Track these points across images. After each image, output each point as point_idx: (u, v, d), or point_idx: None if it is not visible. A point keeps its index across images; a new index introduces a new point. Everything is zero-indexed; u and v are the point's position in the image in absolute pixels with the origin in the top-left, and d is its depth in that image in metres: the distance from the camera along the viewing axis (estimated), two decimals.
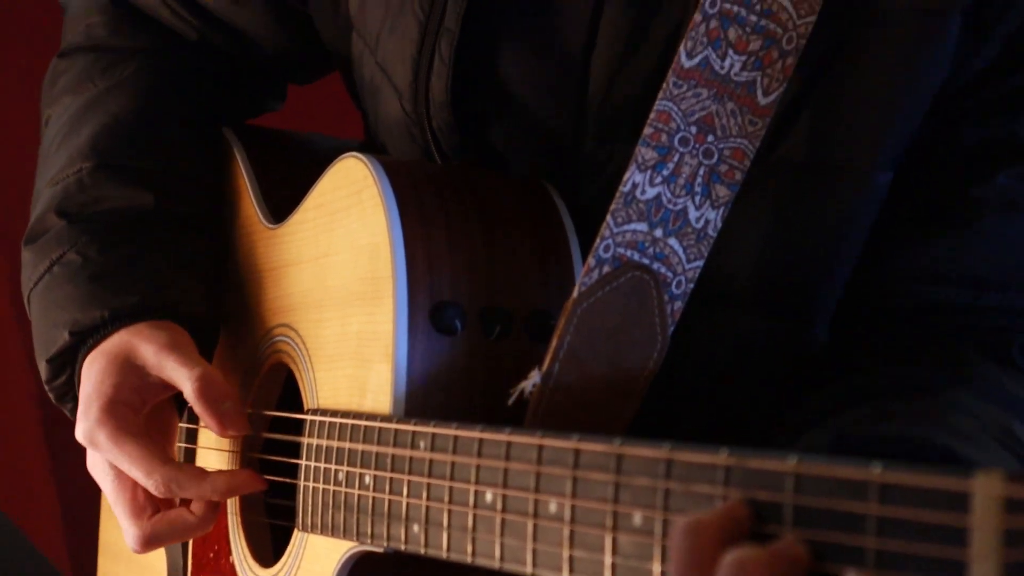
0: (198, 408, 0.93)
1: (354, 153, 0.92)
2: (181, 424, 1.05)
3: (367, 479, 0.83)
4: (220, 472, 0.96)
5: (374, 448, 0.83)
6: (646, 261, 0.84)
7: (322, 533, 0.89)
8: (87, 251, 1.01)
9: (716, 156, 0.85)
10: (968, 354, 0.87)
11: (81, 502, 1.34)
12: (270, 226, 1.03)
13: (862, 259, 0.90)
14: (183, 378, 0.94)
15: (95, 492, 1.05)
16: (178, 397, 0.98)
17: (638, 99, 0.87)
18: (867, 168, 0.87)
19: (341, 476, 0.86)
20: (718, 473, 0.59)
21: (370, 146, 1.06)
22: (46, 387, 1.01)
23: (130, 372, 0.95)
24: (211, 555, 1.03)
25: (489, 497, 0.72)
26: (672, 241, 0.84)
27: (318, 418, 0.90)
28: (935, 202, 0.89)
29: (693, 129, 0.85)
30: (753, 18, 0.85)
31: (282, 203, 1.04)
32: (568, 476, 0.67)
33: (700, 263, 0.85)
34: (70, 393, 1.00)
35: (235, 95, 1.16)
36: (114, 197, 1.03)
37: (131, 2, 1.13)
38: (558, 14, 0.92)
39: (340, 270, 0.92)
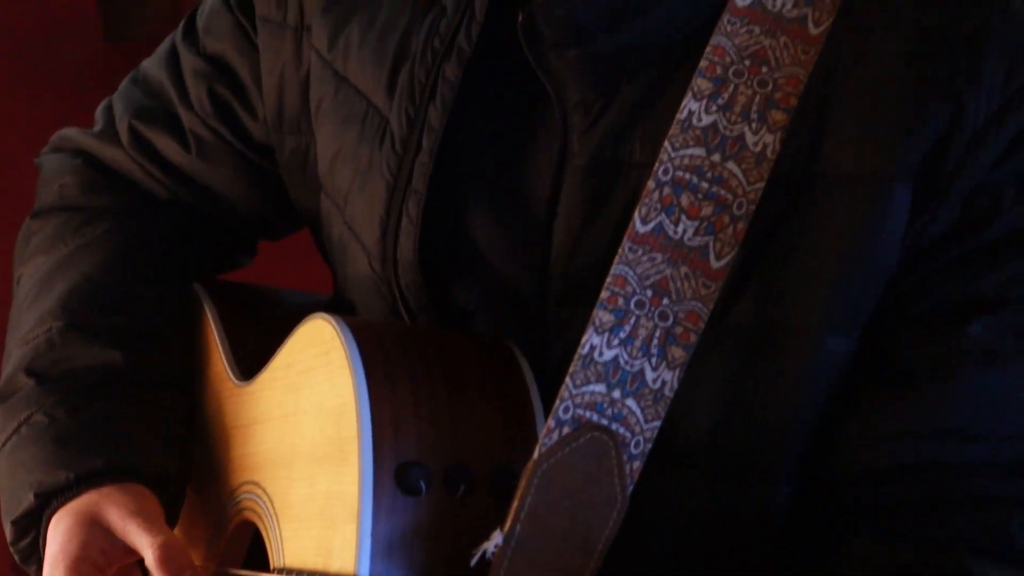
0: (157, 575, 0.95)
1: (322, 314, 0.95)
2: None
3: None
4: None
5: None
6: (605, 422, 0.87)
7: None
8: (54, 412, 1.03)
9: (671, 318, 0.88)
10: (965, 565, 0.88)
11: None
12: (239, 383, 1.06)
13: (832, 425, 0.92)
14: (145, 545, 0.96)
15: None
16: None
17: (599, 264, 0.91)
18: (818, 332, 0.89)
19: None
20: None
21: (339, 302, 1.09)
22: (11, 548, 1.03)
23: (97, 533, 0.98)
24: None
25: None
26: (630, 402, 0.87)
27: None
28: (907, 361, 0.91)
29: (648, 292, 0.88)
30: (705, 185, 0.89)
31: (252, 359, 1.06)
32: None
33: (658, 423, 0.87)
34: (35, 555, 1.01)
35: (206, 252, 1.19)
36: (83, 356, 1.06)
37: (103, 162, 1.16)
38: (523, 180, 0.96)
39: (307, 430, 0.94)
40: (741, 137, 0.89)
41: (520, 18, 0.92)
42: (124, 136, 1.14)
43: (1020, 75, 0.86)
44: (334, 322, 0.93)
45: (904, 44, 0.87)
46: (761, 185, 0.88)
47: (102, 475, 1.00)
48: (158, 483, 1.02)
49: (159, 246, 1.14)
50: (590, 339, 0.87)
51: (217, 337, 1.11)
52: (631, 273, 0.88)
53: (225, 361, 1.09)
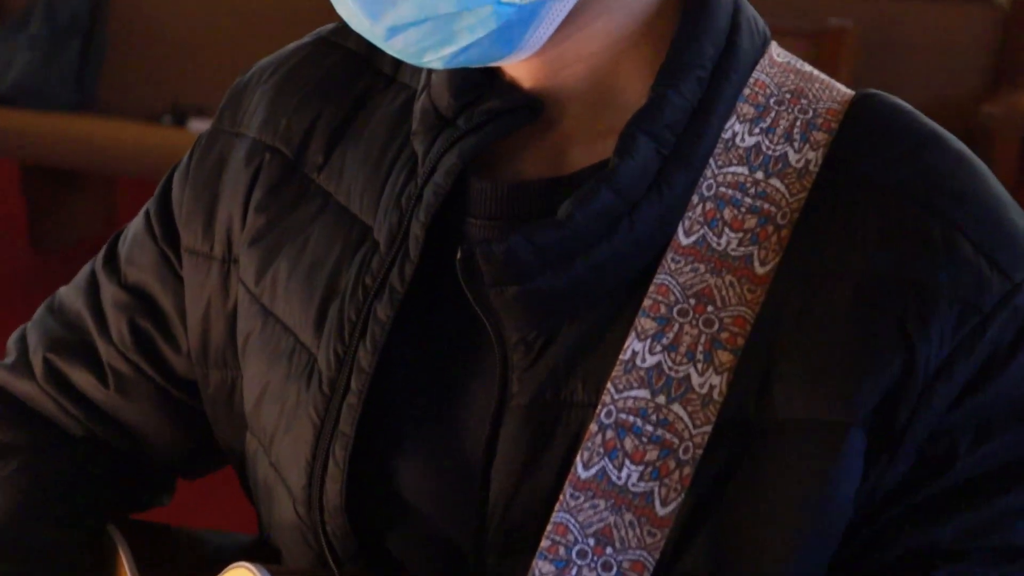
0: None
1: (244, 563, 0.97)
2: None
3: None
4: None
5: None
6: None
7: None
8: None
9: (615, 569, 0.90)
10: None
11: None
12: None
13: None
14: None
15: None
16: None
17: (539, 511, 0.93)
18: None
19: None
20: None
21: (263, 546, 1.11)
22: None
23: None
24: None
25: None
26: None
27: None
28: None
29: (591, 541, 0.90)
30: (649, 428, 0.91)
31: None
32: None
33: None
34: None
35: (122, 491, 1.20)
36: None
37: (15, 396, 1.19)
38: (458, 421, 0.99)
39: None
40: (687, 378, 0.92)
41: (459, 255, 0.94)
42: (38, 369, 1.17)
43: (970, 321, 0.90)
44: (256, 572, 0.94)
45: (852, 289, 0.91)
46: (708, 428, 0.91)
47: None
48: None
49: (70, 487, 1.15)
50: None
51: None
52: (573, 521, 0.90)
53: None
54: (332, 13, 0.93)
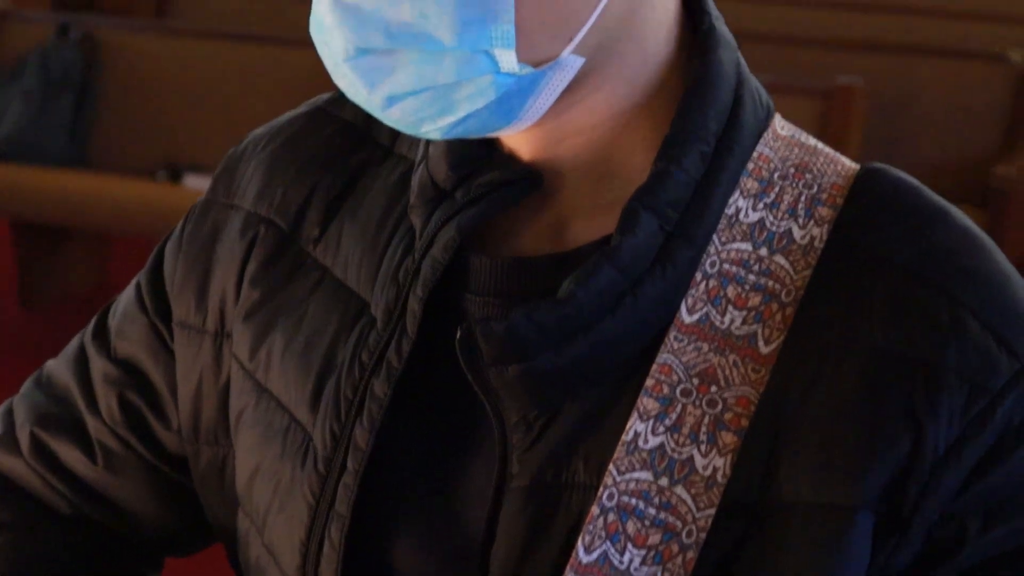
0: None
1: None
2: None
3: None
4: None
5: None
6: None
7: None
8: None
9: None
10: None
11: None
12: None
13: None
14: None
15: None
16: None
17: None
18: None
19: None
20: None
21: None
22: None
23: None
24: None
25: None
26: None
27: None
28: None
29: None
30: (652, 511, 0.91)
31: None
32: None
33: None
34: None
35: (109, 568, 1.20)
36: None
37: (0, 472, 1.19)
38: (457, 502, 0.98)
39: None
40: (690, 460, 0.92)
41: (458, 334, 0.95)
42: (24, 445, 1.17)
43: (979, 402, 0.90)
44: None
45: (858, 368, 0.91)
46: (712, 512, 0.91)
47: None
48: None
49: (57, 565, 1.15)
50: None
51: None
52: None
53: None
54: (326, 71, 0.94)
